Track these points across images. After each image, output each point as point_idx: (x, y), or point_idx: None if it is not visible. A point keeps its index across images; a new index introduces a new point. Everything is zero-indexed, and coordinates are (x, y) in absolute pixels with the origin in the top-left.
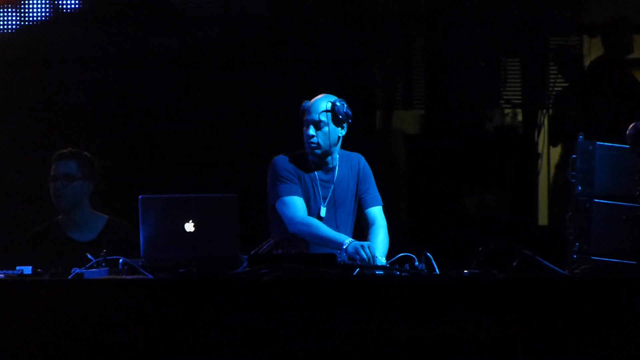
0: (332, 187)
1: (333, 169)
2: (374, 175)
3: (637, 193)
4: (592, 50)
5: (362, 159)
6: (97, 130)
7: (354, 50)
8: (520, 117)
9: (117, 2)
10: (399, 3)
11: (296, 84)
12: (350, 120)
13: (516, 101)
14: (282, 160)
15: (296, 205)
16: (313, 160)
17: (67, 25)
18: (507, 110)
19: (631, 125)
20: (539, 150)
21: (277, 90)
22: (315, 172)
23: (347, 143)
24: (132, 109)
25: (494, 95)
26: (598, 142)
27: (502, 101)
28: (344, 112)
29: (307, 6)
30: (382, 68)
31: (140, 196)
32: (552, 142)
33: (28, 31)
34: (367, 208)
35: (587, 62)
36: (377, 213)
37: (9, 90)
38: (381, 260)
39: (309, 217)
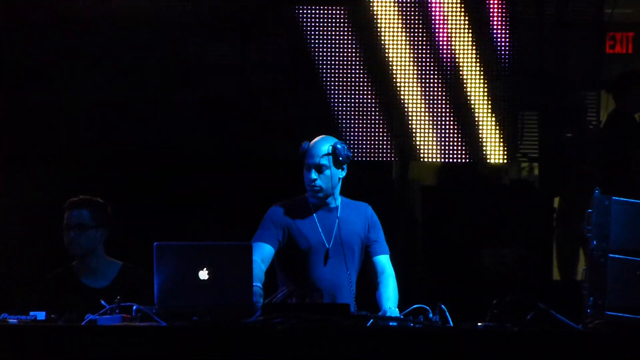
0: (335, 228)
1: (335, 209)
2: (390, 224)
3: None
4: (609, 105)
5: (370, 208)
6: (112, 177)
7: (370, 100)
8: (536, 171)
9: (135, 48)
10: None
11: (312, 133)
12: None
13: (533, 155)
14: (270, 211)
15: (256, 249)
16: (314, 202)
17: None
18: (523, 164)
19: None
20: (555, 205)
21: (294, 139)
22: (315, 215)
23: (363, 192)
24: (149, 155)
25: (510, 148)
26: (614, 197)
27: (519, 154)
28: (345, 155)
29: (324, 56)
30: (399, 119)
31: (155, 243)
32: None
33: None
34: (376, 256)
35: (603, 117)
36: (385, 262)
37: (23, 133)
38: (394, 311)
39: (255, 260)
